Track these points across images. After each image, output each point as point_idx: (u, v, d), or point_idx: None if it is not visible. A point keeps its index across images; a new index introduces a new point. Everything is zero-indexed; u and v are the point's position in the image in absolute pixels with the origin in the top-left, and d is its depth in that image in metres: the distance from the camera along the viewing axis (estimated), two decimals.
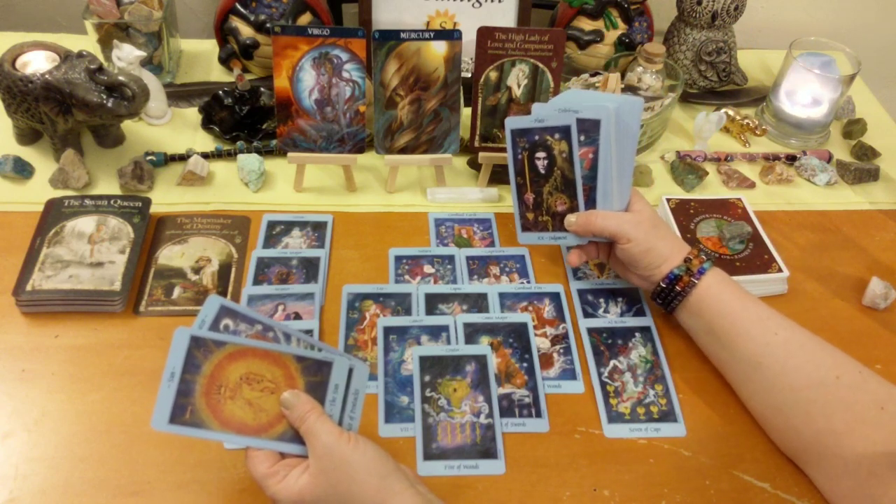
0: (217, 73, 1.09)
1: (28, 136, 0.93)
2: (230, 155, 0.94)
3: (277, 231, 0.86)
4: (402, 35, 0.85)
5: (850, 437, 0.61)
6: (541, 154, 0.76)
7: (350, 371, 0.60)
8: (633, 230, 0.72)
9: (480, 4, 1.06)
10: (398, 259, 0.84)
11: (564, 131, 0.74)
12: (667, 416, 0.71)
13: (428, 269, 0.83)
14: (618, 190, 0.74)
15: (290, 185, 0.92)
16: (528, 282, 0.83)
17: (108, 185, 0.90)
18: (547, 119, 0.75)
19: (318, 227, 0.87)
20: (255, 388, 0.57)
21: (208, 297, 0.59)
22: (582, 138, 0.74)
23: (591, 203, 0.75)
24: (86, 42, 0.99)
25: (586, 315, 0.80)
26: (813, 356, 0.65)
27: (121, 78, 0.83)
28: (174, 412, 0.55)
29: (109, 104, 0.83)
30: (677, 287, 0.71)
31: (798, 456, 0.66)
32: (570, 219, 0.75)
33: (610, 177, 0.74)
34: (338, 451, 0.55)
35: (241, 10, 1.02)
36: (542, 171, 0.76)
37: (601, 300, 0.81)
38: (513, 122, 0.77)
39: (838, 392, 0.63)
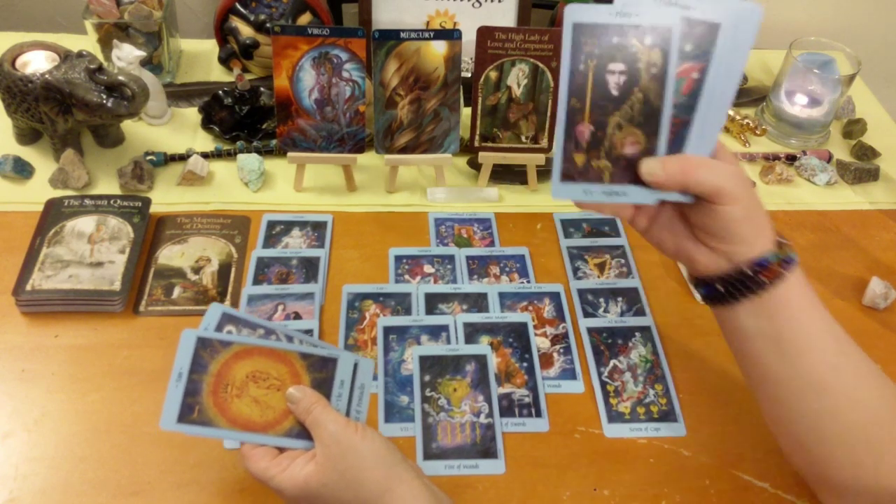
0: (217, 73, 1.09)
1: (28, 136, 0.93)
2: (230, 155, 0.94)
3: (277, 231, 0.86)
4: (402, 35, 0.85)
5: (890, 478, 0.55)
6: (618, 66, 0.54)
7: (355, 366, 0.61)
8: (741, 188, 0.54)
9: (480, 4, 1.06)
10: (398, 259, 0.84)
11: (662, 35, 0.53)
12: (667, 415, 0.71)
13: (428, 268, 0.83)
14: (711, 131, 0.56)
15: (290, 185, 0.92)
16: (528, 281, 0.83)
17: (108, 185, 0.90)
18: (638, 13, 0.53)
19: (318, 227, 0.87)
20: (262, 385, 0.58)
21: (211, 304, 0.61)
22: (688, 48, 0.53)
23: (676, 145, 0.55)
24: (86, 42, 0.99)
25: (586, 315, 0.80)
26: (879, 387, 0.56)
27: (121, 78, 0.83)
28: (182, 411, 0.56)
29: (109, 104, 0.83)
30: (762, 276, 0.55)
31: (822, 485, 0.60)
32: (653, 166, 0.54)
33: (716, 109, 0.55)
34: (345, 439, 0.55)
35: (241, 9, 1.02)
36: (615, 93, 0.54)
37: (601, 300, 0.81)
38: (579, 12, 0.53)
39: (893, 430, 0.55)
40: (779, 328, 0.56)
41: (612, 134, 0.55)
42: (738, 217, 0.54)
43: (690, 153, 0.55)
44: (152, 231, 0.85)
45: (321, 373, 0.60)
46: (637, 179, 0.55)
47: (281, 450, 0.57)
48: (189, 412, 0.56)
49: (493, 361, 0.74)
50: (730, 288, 0.57)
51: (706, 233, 0.56)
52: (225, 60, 1.07)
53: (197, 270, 0.81)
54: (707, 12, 0.53)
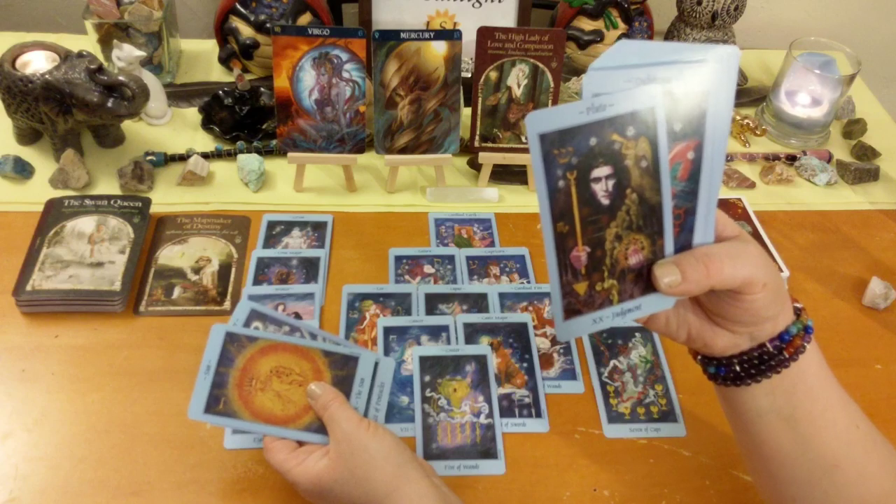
0: (217, 73, 1.09)
1: (28, 136, 0.93)
2: (230, 155, 0.94)
3: (277, 231, 0.86)
4: (402, 35, 0.85)
5: None
6: (602, 170, 0.44)
7: (376, 365, 0.62)
8: (768, 270, 0.48)
9: (480, 4, 1.06)
10: (398, 259, 0.84)
11: (645, 121, 0.44)
12: (667, 416, 0.71)
13: (428, 269, 0.83)
14: (713, 205, 0.48)
15: (290, 185, 0.92)
16: (529, 282, 0.83)
17: (108, 185, 0.90)
18: (613, 102, 0.43)
19: (318, 227, 0.87)
20: (285, 380, 0.60)
21: (240, 301, 0.64)
22: (678, 127, 0.44)
23: (683, 238, 0.47)
24: (86, 42, 0.99)
25: None
26: (887, 457, 0.53)
27: (121, 78, 0.83)
28: (209, 402, 0.58)
29: (109, 104, 0.83)
30: (785, 352, 0.50)
31: None
32: (671, 276, 0.47)
33: (715, 181, 0.47)
34: (356, 438, 0.56)
35: (241, 10, 1.02)
36: (606, 202, 0.45)
37: None
38: (543, 120, 0.42)
39: None
40: (794, 405, 0.52)
41: (611, 249, 0.46)
42: (768, 300, 0.49)
43: (699, 242, 0.48)
44: (152, 231, 0.85)
45: (342, 370, 0.61)
46: (648, 287, 0.48)
47: (301, 443, 0.59)
48: (215, 403, 0.58)
49: (493, 362, 0.74)
50: (746, 366, 0.52)
51: (728, 319, 0.50)
52: (225, 60, 1.07)
53: (197, 271, 0.81)
54: (690, 80, 0.44)
